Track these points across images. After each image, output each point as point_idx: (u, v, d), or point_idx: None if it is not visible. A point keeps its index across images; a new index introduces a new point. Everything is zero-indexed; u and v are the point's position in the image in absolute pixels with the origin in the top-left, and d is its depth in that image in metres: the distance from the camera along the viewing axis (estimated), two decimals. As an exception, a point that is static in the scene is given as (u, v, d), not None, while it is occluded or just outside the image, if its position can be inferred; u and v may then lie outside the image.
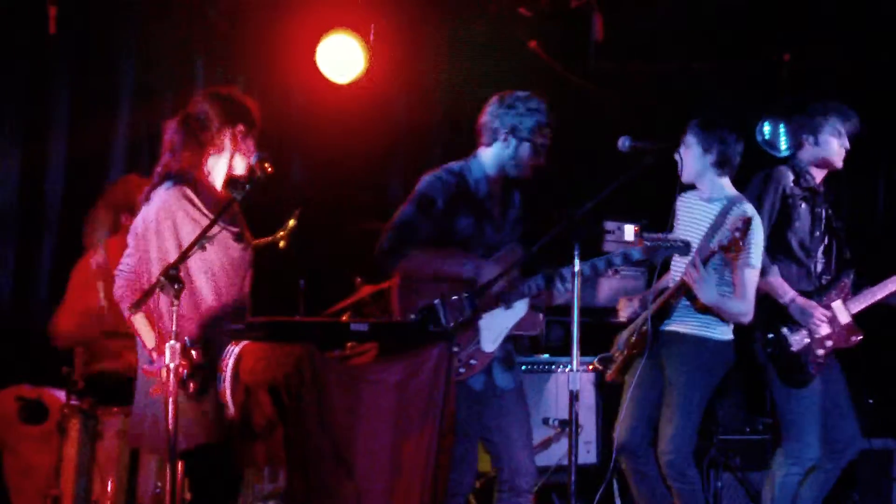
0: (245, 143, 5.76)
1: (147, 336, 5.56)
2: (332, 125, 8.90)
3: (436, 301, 6.04)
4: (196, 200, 5.60)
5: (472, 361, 6.07)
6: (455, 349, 5.96)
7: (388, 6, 8.95)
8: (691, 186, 6.79)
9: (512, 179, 6.30)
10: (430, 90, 9.40)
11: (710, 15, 9.05)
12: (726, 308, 6.60)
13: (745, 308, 6.61)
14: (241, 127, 5.75)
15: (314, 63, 8.71)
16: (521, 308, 6.20)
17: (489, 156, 6.24)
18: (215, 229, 5.47)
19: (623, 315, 6.94)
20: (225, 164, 5.75)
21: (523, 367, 8.05)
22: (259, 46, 8.67)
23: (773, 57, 9.36)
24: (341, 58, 8.70)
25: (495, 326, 6.15)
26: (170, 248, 5.51)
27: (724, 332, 6.73)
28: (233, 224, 5.68)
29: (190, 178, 5.65)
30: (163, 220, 5.54)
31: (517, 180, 6.32)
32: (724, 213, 6.64)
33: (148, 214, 5.59)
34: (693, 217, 6.77)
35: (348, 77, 8.77)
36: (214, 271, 5.56)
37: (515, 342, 6.43)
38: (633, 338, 6.80)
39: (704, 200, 6.77)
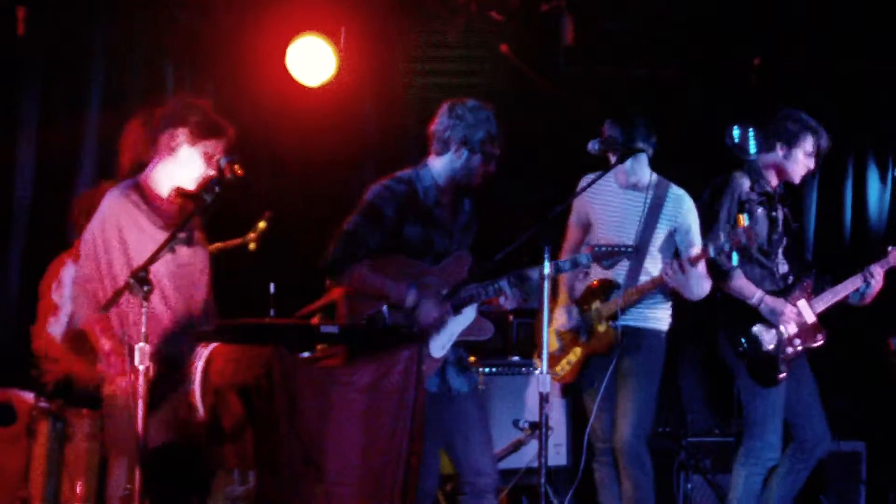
0: (186, 152, 5.68)
1: (103, 341, 5.52)
2: (302, 128, 8.89)
3: (383, 307, 6.06)
4: (140, 204, 5.57)
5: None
6: None
7: (358, 10, 8.94)
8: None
9: (462, 187, 6.32)
10: (400, 93, 9.39)
11: (680, 18, 9.07)
12: (709, 290, 6.85)
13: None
14: (182, 131, 5.67)
15: (284, 66, 8.71)
16: (469, 314, 6.22)
17: (440, 165, 6.26)
18: (160, 235, 5.46)
19: (566, 326, 7.00)
20: (167, 171, 5.69)
21: (493, 370, 8.07)
22: (229, 50, 8.65)
23: (743, 60, 9.39)
24: (312, 61, 8.70)
25: (444, 332, 6.17)
26: (116, 252, 5.49)
27: (668, 323, 6.98)
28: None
29: (133, 183, 5.62)
30: (107, 227, 5.52)
31: (467, 188, 6.35)
32: (657, 200, 6.82)
33: (93, 222, 5.57)
34: (615, 209, 6.90)
35: (319, 80, 8.76)
36: (160, 276, 5.50)
37: (478, 344, 6.42)
38: (584, 338, 6.86)
39: (627, 191, 6.86)
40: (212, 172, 5.68)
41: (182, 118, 5.68)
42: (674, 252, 6.88)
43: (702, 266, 6.68)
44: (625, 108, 6.82)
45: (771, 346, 7.01)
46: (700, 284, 6.76)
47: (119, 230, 5.51)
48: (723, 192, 7.10)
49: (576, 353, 6.94)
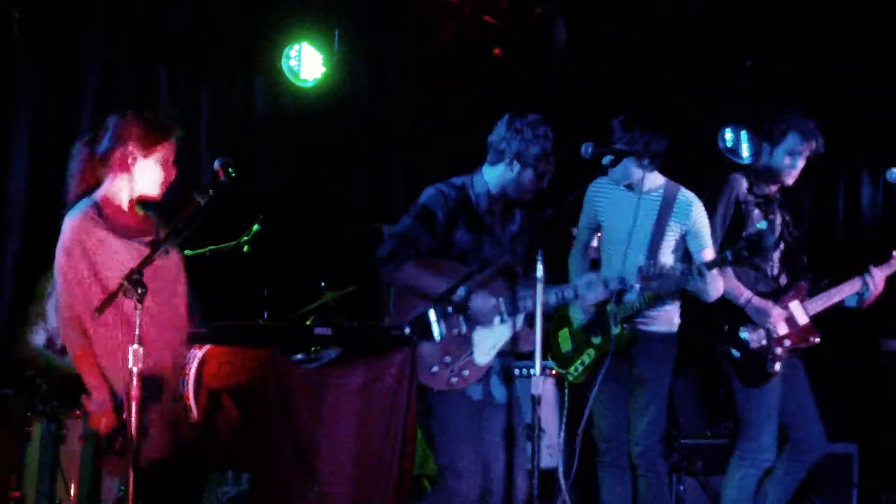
0: (142, 164, 5.63)
1: (87, 373, 5.48)
2: (296, 129, 8.90)
3: (428, 311, 6.04)
4: (101, 222, 5.52)
5: (465, 372, 6.06)
6: (447, 360, 5.97)
7: (352, 11, 8.96)
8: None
9: (513, 200, 6.33)
10: (394, 96, 9.41)
11: (674, 19, 9.08)
12: (722, 290, 6.82)
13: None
14: (133, 146, 5.60)
15: (278, 67, 8.72)
16: (517, 323, 6.21)
17: (493, 174, 6.26)
18: (125, 248, 5.47)
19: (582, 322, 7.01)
20: (125, 185, 5.62)
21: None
22: (222, 50, 8.65)
23: (737, 62, 9.40)
24: (305, 61, 8.71)
25: (490, 339, 6.15)
26: (86, 274, 5.47)
27: (677, 324, 6.96)
28: (145, 235, 5.60)
29: (90, 202, 5.60)
30: (73, 249, 5.48)
31: (518, 201, 6.35)
32: (667, 204, 6.79)
33: (59, 251, 5.54)
34: (625, 213, 6.88)
35: (312, 80, 8.77)
36: None
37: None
38: (598, 339, 6.86)
39: (637, 194, 6.87)
40: (172, 176, 5.68)
41: (129, 133, 5.61)
42: (684, 254, 6.89)
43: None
44: (621, 111, 6.82)
45: (758, 346, 7.01)
46: (716, 286, 6.75)
47: (84, 249, 5.47)
48: (720, 193, 7.11)
49: (589, 355, 6.94)
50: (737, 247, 6.47)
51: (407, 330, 6.01)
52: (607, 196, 6.95)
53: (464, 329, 6.07)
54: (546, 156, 6.19)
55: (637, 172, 6.79)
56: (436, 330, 6.02)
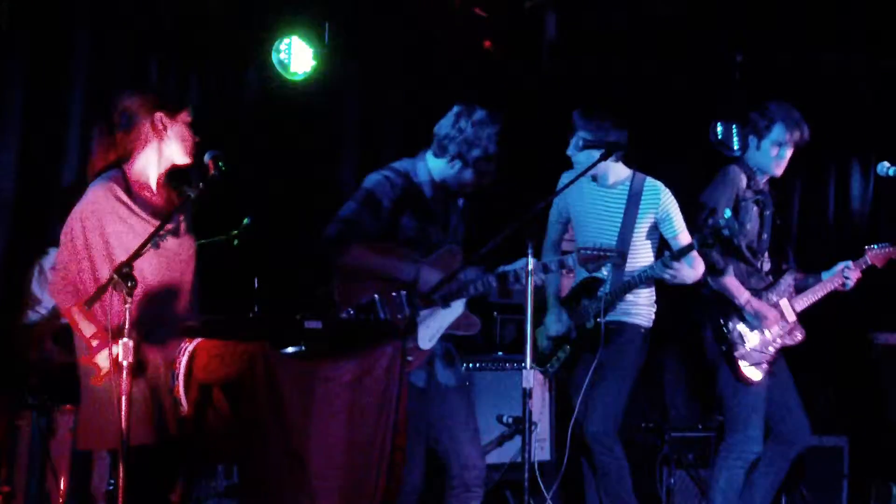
0: (173, 129, 5.72)
1: (85, 326, 5.51)
2: (286, 122, 8.89)
3: (375, 296, 6.08)
4: (123, 196, 5.56)
5: (409, 358, 6.11)
6: None
7: (343, 4, 8.94)
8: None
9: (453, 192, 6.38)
10: (384, 88, 9.39)
11: (664, 14, 9.08)
12: (703, 271, 6.85)
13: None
14: (160, 114, 5.69)
15: (269, 60, 8.70)
16: (458, 307, 6.27)
17: (435, 165, 6.33)
18: (142, 227, 5.49)
19: (559, 332, 7.04)
20: (156, 156, 5.71)
21: (477, 365, 8.08)
22: (212, 44, 8.63)
23: (727, 57, 9.40)
24: (295, 54, 8.70)
25: (432, 324, 6.22)
26: (97, 245, 5.49)
27: (650, 319, 7.00)
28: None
29: (117, 175, 5.62)
30: (88, 219, 5.51)
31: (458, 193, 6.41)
32: (635, 195, 6.84)
33: (75, 212, 5.56)
34: (594, 205, 6.95)
35: (302, 73, 8.76)
36: (143, 268, 5.46)
37: (462, 340, 6.45)
38: (574, 335, 6.89)
39: (604, 187, 6.93)
40: (196, 138, 5.76)
41: (151, 104, 5.71)
42: (658, 243, 6.91)
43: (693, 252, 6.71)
44: (600, 106, 6.84)
45: (752, 346, 7.04)
46: (695, 270, 6.78)
47: (100, 221, 5.50)
48: (722, 183, 7.11)
49: (565, 350, 6.98)
50: (702, 235, 6.53)
51: (351, 313, 6.07)
52: (576, 191, 6.96)
53: (406, 310, 6.11)
54: (487, 158, 6.24)
55: (601, 165, 6.80)
56: (380, 313, 6.08)
